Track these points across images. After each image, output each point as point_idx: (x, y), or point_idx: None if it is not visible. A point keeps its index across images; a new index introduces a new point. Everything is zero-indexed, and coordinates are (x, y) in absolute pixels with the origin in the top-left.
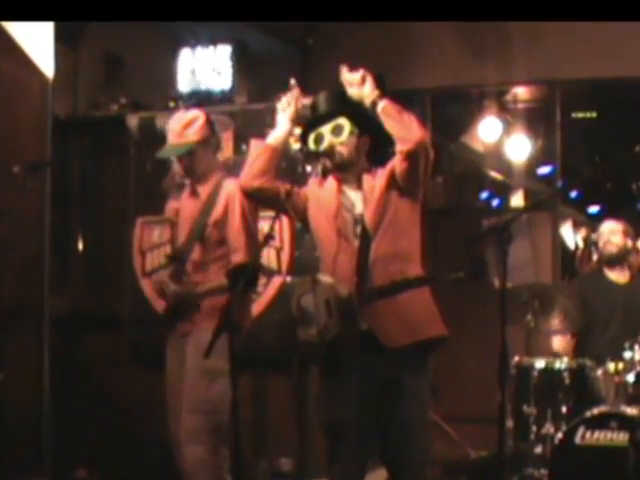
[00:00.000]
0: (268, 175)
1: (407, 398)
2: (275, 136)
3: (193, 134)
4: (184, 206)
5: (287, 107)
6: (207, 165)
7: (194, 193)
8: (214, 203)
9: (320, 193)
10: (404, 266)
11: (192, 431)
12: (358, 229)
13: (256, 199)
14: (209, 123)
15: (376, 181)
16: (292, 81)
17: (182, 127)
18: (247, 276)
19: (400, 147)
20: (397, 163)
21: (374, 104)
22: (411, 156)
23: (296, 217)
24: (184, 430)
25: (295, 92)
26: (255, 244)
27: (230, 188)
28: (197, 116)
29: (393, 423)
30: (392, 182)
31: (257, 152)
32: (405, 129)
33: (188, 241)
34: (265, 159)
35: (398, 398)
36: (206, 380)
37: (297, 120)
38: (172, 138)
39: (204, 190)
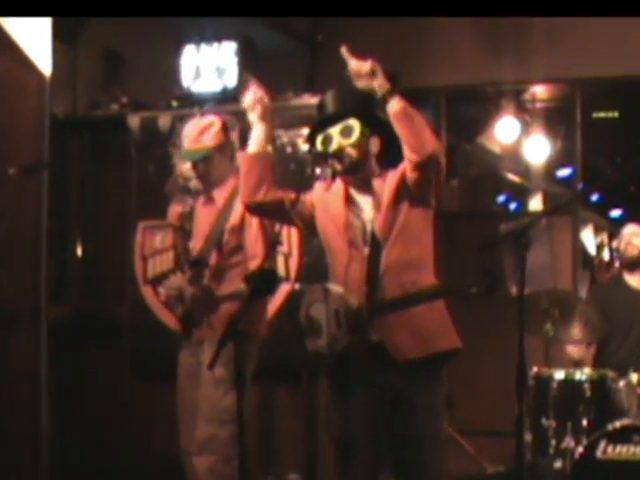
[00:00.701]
0: (265, 185)
1: (419, 412)
2: (254, 142)
3: (209, 140)
4: (200, 212)
5: (254, 106)
6: (223, 171)
7: (210, 199)
8: (231, 209)
9: (327, 199)
10: (416, 275)
11: (206, 441)
12: (368, 236)
13: (261, 213)
14: (225, 129)
15: (386, 186)
16: (246, 76)
17: (198, 133)
18: (267, 281)
19: (409, 156)
20: (407, 171)
21: (384, 100)
22: (421, 167)
23: (303, 226)
24: (198, 439)
25: (254, 88)
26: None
27: None
28: (213, 122)
29: (405, 437)
30: (403, 187)
31: (245, 165)
32: (416, 137)
33: (205, 247)
34: (256, 170)
35: (410, 412)
36: (221, 389)
37: (270, 116)
38: (188, 144)
39: (220, 196)
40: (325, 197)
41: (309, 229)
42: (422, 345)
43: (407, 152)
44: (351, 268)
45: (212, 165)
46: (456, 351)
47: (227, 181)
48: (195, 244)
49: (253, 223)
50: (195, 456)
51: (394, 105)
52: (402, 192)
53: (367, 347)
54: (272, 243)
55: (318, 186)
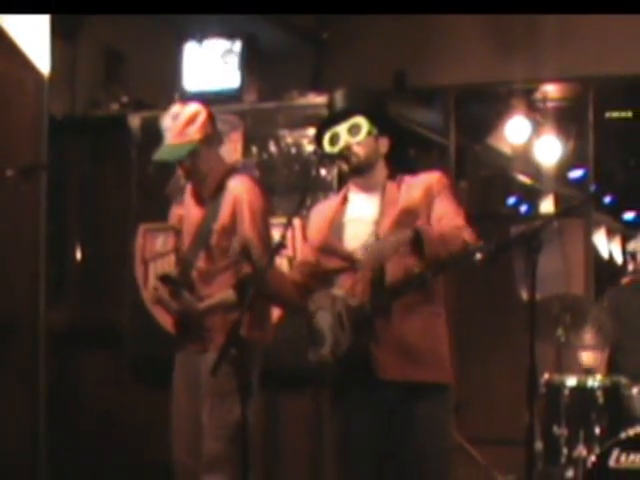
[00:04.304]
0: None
1: (418, 422)
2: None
3: (196, 131)
4: (188, 212)
5: None
6: (211, 164)
7: (198, 196)
8: (219, 207)
9: (320, 218)
10: (420, 297)
11: (215, 458)
12: (370, 237)
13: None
14: (211, 118)
15: (402, 192)
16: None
17: (183, 125)
18: (257, 287)
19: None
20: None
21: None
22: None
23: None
24: (207, 457)
25: None
26: (268, 251)
27: (236, 189)
28: (199, 111)
29: (404, 450)
30: (422, 203)
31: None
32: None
33: (193, 249)
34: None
35: (409, 422)
36: (227, 404)
37: None
38: (171, 138)
39: (209, 192)
40: (316, 224)
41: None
42: (403, 372)
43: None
44: (355, 276)
45: (200, 160)
46: (442, 387)
47: (215, 175)
48: (184, 245)
49: (245, 222)
50: (205, 474)
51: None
52: (420, 207)
53: (366, 353)
54: (277, 246)
55: (311, 215)
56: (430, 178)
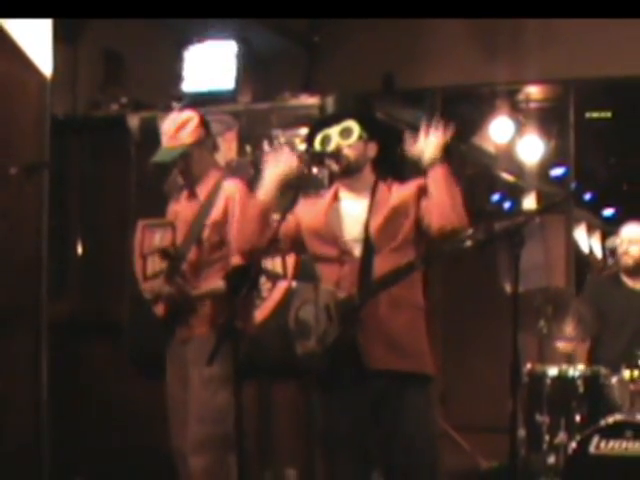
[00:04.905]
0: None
1: (406, 411)
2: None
3: (187, 136)
4: (182, 208)
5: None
6: (204, 166)
7: (192, 195)
8: (212, 204)
9: (312, 209)
10: (406, 291)
11: (199, 441)
12: (359, 237)
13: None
14: (203, 124)
15: (392, 194)
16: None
17: (175, 129)
18: (247, 280)
19: (438, 219)
20: (428, 222)
21: (430, 165)
22: (443, 235)
23: (292, 248)
24: (191, 440)
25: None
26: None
27: (229, 189)
28: (190, 117)
29: (394, 437)
30: (412, 204)
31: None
32: (451, 205)
33: (185, 243)
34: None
35: (397, 411)
36: (211, 388)
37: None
38: (166, 141)
39: (202, 191)
40: (310, 208)
41: (298, 248)
42: (385, 361)
43: (436, 216)
44: (343, 270)
45: (192, 161)
46: (424, 377)
47: (208, 176)
48: (178, 240)
49: (234, 218)
50: (190, 457)
51: (439, 169)
52: (410, 208)
53: (355, 343)
54: (270, 242)
55: (302, 202)
56: (420, 180)
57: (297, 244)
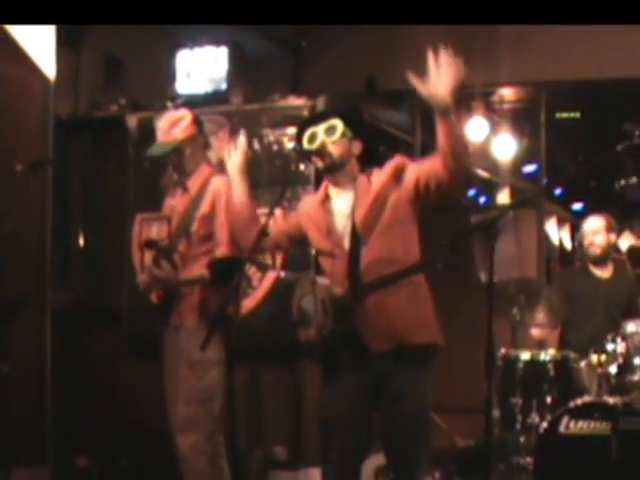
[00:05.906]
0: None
1: (405, 394)
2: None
3: (180, 132)
4: (176, 202)
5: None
6: (195, 162)
7: (185, 189)
8: (202, 198)
9: (309, 206)
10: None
11: (186, 420)
12: (348, 231)
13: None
14: (196, 122)
15: (373, 182)
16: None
17: (169, 126)
18: (233, 269)
19: (449, 159)
20: (436, 172)
21: (444, 110)
22: (454, 174)
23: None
24: (179, 419)
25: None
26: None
27: (218, 185)
28: (184, 115)
29: (394, 417)
30: (391, 185)
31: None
32: (461, 145)
33: (176, 235)
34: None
35: (397, 394)
36: (198, 371)
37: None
38: (160, 136)
39: (193, 186)
40: (308, 205)
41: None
42: (396, 337)
43: (447, 156)
44: (336, 263)
45: (184, 157)
46: (433, 346)
47: (200, 171)
48: (171, 232)
49: (221, 212)
50: (178, 435)
51: (449, 112)
52: (390, 190)
53: (351, 334)
54: (259, 234)
55: (303, 199)
56: (393, 161)
57: (295, 240)
